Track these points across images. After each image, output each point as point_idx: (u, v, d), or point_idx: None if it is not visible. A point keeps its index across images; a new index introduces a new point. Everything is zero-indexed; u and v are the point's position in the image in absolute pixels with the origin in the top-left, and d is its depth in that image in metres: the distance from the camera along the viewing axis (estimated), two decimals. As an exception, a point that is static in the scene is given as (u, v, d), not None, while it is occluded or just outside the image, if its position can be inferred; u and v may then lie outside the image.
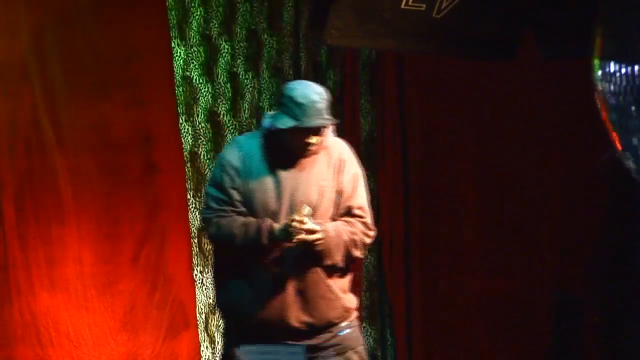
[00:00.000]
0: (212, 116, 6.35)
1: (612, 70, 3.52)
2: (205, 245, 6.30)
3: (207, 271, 6.31)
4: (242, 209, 4.51)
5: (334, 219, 4.56)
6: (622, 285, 4.99)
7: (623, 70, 3.49)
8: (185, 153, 6.26)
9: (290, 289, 4.49)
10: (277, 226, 4.43)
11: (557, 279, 6.71)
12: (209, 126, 6.33)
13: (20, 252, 5.88)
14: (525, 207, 6.75)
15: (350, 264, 4.64)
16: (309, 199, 4.49)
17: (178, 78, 6.26)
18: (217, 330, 6.33)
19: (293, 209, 4.45)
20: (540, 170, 6.71)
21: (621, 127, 3.46)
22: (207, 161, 6.32)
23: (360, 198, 4.64)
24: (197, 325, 6.28)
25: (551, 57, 6.26)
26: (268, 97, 6.47)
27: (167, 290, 6.20)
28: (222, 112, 6.37)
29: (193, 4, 6.27)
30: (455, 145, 6.85)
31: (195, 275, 6.29)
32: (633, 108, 3.44)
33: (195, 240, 6.29)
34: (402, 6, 5.84)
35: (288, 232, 4.40)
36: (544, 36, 6.24)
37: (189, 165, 6.28)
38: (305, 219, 4.38)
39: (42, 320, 5.91)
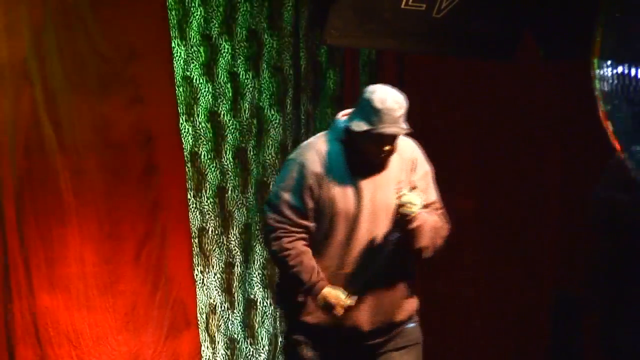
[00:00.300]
0: (212, 116, 6.35)
1: (609, 69, 3.52)
2: (206, 245, 6.31)
3: (208, 271, 6.32)
4: (312, 223, 4.48)
5: None
6: (622, 284, 4.99)
7: (619, 70, 3.49)
8: (185, 153, 6.27)
9: (365, 297, 4.49)
10: (324, 293, 4.44)
11: (557, 279, 6.71)
12: (209, 126, 6.34)
13: (20, 252, 5.88)
14: (525, 207, 6.76)
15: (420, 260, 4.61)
16: (388, 202, 4.45)
17: (178, 78, 6.26)
18: (218, 330, 6.34)
19: (374, 213, 4.43)
20: (539, 169, 6.71)
21: (616, 126, 3.47)
22: (208, 161, 6.32)
23: (434, 193, 4.64)
24: (197, 325, 6.28)
25: (551, 56, 6.26)
26: (268, 97, 6.48)
27: (168, 290, 6.20)
28: (222, 112, 6.37)
29: (193, 4, 6.28)
30: (455, 145, 6.85)
31: (196, 275, 6.29)
32: (625, 108, 3.45)
33: (196, 240, 6.29)
34: (402, 6, 5.85)
35: (328, 307, 4.43)
36: (543, 35, 6.24)
37: (189, 165, 6.28)
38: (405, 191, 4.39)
39: (42, 320, 5.91)
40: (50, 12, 5.92)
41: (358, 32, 5.88)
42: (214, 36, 6.34)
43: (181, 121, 6.24)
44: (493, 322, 6.83)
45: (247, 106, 6.43)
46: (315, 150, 4.53)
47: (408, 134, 4.51)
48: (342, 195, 4.45)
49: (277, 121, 6.50)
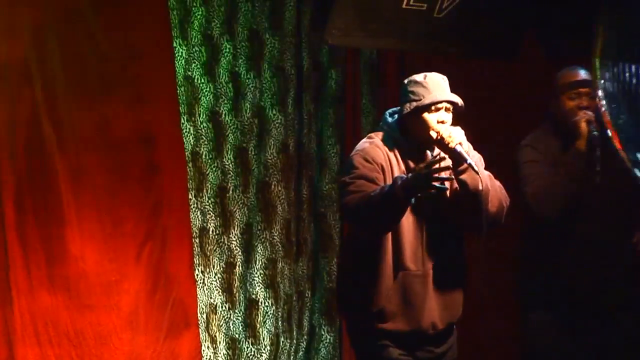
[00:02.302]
0: (213, 116, 6.35)
1: (610, 69, 3.53)
2: (207, 245, 6.31)
3: (209, 271, 6.32)
4: None
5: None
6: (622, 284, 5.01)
7: (620, 70, 3.50)
8: (186, 153, 6.26)
9: (430, 289, 4.42)
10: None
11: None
12: (210, 126, 6.33)
13: (20, 252, 5.88)
14: (526, 206, 6.74)
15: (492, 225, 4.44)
16: (445, 193, 4.38)
17: (180, 78, 6.26)
18: (219, 330, 6.33)
19: (432, 204, 4.34)
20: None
21: (617, 125, 3.47)
22: (209, 161, 6.31)
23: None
24: (198, 325, 6.27)
25: (553, 56, 6.26)
26: (270, 96, 6.47)
27: (169, 290, 6.20)
28: (223, 112, 6.37)
29: (195, 4, 6.27)
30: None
31: (197, 275, 6.29)
32: (624, 106, 3.45)
33: (197, 240, 6.29)
34: (403, 6, 5.85)
35: (427, 169, 4.13)
36: (546, 35, 6.24)
37: (190, 165, 6.27)
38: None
39: (41, 320, 5.91)
40: (50, 11, 5.92)
41: (359, 32, 5.88)
42: (216, 36, 6.34)
43: (182, 121, 6.24)
44: (493, 324, 6.82)
45: (249, 106, 6.43)
46: (376, 145, 4.42)
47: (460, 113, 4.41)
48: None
49: (278, 121, 6.50)
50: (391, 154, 4.40)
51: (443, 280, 4.43)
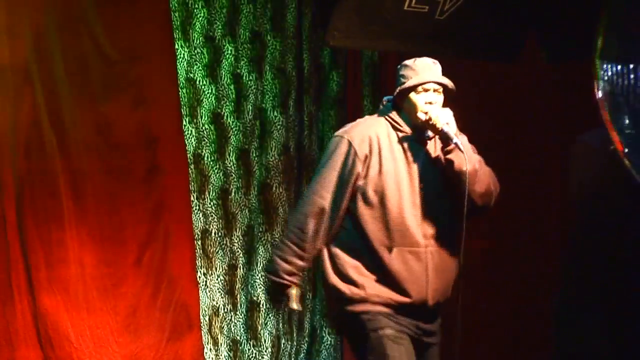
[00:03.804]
0: (215, 118, 6.35)
1: (611, 70, 3.53)
2: (209, 247, 6.31)
3: (211, 273, 6.32)
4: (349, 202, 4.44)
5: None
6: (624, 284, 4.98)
7: (621, 71, 3.50)
8: (188, 155, 6.26)
9: (430, 264, 4.44)
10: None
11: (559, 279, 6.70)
12: (212, 128, 6.34)
13: (21, 254, 5.88)
14: (528, 209, 6.76)
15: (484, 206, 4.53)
16: (436, 178, 4.42)
17: (181, 79, 6.26)
18: (221, 332, 6.34)
19: (423, 190, 4.39)
20: (542, 171, 6.70)
21: (618, 126, 3.48)
22: (211, 163, 6.32)
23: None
24: (200, 327, 6.27)
25: (554, 58, 6.26)
26: (271, 98, 6.48)
27: (171, 292, 6.20)
28: (225, 114, 6.37)
29: (196, 6, 6.28)
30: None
31: (199, 277, 6.29)
32: (625, 107, 3.46)
33: (199, 242, 6.29)
34: (405, 8, 5.85)
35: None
36: (546, 38, 6.24)
37: (192, 167, 6.28)
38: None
39: (42, 322, 5.91)
40: (52, 13, 5.93)
41: (361, 34, 5.88)
42: (217, 38, 6.35)
43: (184, 123, 6.24)
44: (495, 324, 6.82)
45: (250, 108, 6.43)
46: (362, 127, 4.48)
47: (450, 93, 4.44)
48: (391, 171, 4.39)
49: (280, 123, 6.50)
50: (384, 136, 4.44)
51: (437, 257, 4.47)
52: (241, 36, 6.42)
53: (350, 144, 4.41)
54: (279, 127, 6.50)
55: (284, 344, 6.52)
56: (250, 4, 6.43)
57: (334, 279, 4.46)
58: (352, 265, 4.44)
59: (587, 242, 5.05)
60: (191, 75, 6.30)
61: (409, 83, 4.37)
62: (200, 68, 6.30)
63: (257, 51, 6.46)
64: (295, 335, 6.59)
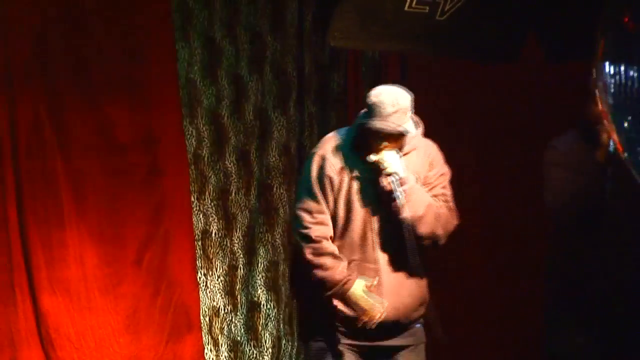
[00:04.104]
0: (215, 118, 6.35)
1: (611, 70, 3.53)
2: (209, 247, 6.31)
3: (211, 274, 6.31)
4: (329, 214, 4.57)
5: None
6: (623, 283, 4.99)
7: (622, 72, 3.50)
8: (189, 155, 6.26)
9: (385, 284, 4.51)
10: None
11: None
12: (212, 128, 6.33)
13: (22, 254, 5.88)
14: (529, 209, 6.75)
15: (430, 248, 4.61)
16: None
17: (182, 80, 6.26)
18: (221, 333, 6.33)
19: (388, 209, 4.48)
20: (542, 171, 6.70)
21: (619, 127, 3.48)
22: (211, 163, 6.32)
23: (445, 186, 4.63)
24: (200, 328, 6.27)
25: (554, 59, 6.26)
26: (272, 99, 6.47)
27: (171, 292, 6.20)
28: (225, 114, 6.37)
29: (197, 6, 6.28)
30: (458, 147, 6.83)
31: (199, 278, 6.28)
32: (626, 108, 3.46)
33: (199, 243, 6.28)
34: (405, 8, 5.85)
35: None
36: (546, 38, 6.24)
37: (192, 167, 6.27)
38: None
39: (44, 323, 5.91)
40: (53, 14, 5.92)
41: (361, 35, 5.88)
42: (218, 38, 6.34)
43: (184, 123, 6.24)
44: (496, 325, 6.82)
45: (251, 108, 6.43)
46: (335, 143, 4.59)
47: (405, 135, 4.51)
48: (359, 186, 4.51)
49: (280, 123, 6.50)
50: (349, 153, 4.54)
51: (395, 274, 4.53)
52: (241, 36, 6.41)
53: (323, 159, 4.55)
54: (279, 127, 6.49)
55: (284, 344, 6.52)
56: (250, 4, 6.42)
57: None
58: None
59: (563, 245, 5.08)
60: (191, 75, 6.29)
61: (367, 124, 4.43)
62: (200, 68, 6.30)
63: (257, 51, 6.46)
64: (295, 335, 6.58)
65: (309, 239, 4.54)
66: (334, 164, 4.53)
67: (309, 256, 4.53)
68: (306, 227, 4.56)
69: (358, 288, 4.51)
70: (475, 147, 6.85)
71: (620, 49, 3.68)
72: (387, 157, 4.42)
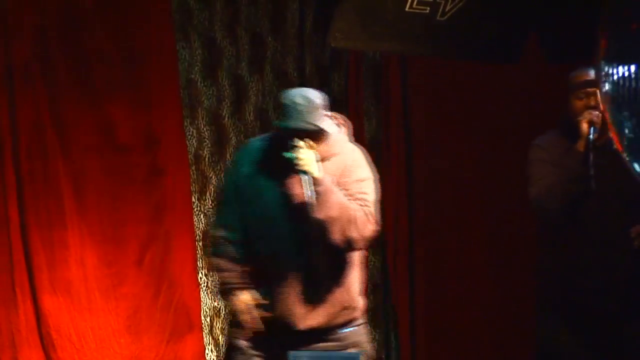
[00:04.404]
0: (216, 119, 6.35)
1: (613, 71, 3.52)
2: (210, 248, 6.31)
3: (212, 274, 6.31)
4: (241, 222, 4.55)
5: None
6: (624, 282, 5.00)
7: (624, 72, 3.50)
8: (189, 156, 6.26)
9: (294, 291, 4.46)
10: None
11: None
12: (213, 129, 6.34)
13: (23, 255, 5.88)
14: (530, 210, 6.74)
15: (349, 255, 4.51)
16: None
17: (183, 80, 6.26)
18: (222, 334, 6.33)
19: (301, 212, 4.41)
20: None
21: (619, 128, 3.47)
22: (212, 164, 6.32)
23: (365, 192, 4.50)
24: (202, 328, 6.27)
25: (555, 59, 6.26)
26: (272, 99, 6.47)
27: (172, 293, 6.20)
28: (226, 115, 6.37)
29: (197, 7, 6.28)
30: (460, 148, 6.85)
31: (200, 278, 6.28)
32: (626, 108, 3.45)
33: (200, 243, 6.29)
34: (406, 9, 5.84)
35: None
36: (548, 39, 6.24)
37: (193, 168, 6.28)
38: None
39: (45, 323, 5.91)
40: (54, 14, 5.93)
41: (362, 35, 5.88)
42: (218, 39, 6.35)
43: (185, 124, 6.24)
44: (498, 325, 6.82)
45: (251, 109, 6.43)
46: (248, 151, 4.58)
47: (321, 133, 4.43)
48: (271, 194, 4.45)
49: (281, 124, 6.50)
50: (267, 157, 4.51)
51: (309, 280, 4.46)
52: (242, 37, 6.42)
53: (236, 162, 4.57)
54: (280, 128, 6.49)
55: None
56: (251, 5, 6.43)
57: None
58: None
59: (548, 244, 5.10)
60: (192, 76, 6.30)
61: (281, 124, 4.40)
62: (201, 69, 6.30)
63: (258, 52, 6.46)
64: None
65: (212, 240, 4.55)
66: (245, 172, 4.49)
67: (210, 257, 4.58)
68: (213, 229, 4.58)
69: (241, 300, 4.49)
70: (476, 147, 6.85)
71: (622, 49, 3.67)
72: (303, 155, 4.34)
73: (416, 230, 6.82)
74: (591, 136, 4.82)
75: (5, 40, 5.83)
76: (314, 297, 4.47)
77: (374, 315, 6.76)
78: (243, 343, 4.52)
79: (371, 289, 6.75)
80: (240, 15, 6.40)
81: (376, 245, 6.77)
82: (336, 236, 4.37)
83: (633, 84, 3.58)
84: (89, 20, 6.02)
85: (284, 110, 4.39)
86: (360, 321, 4.62)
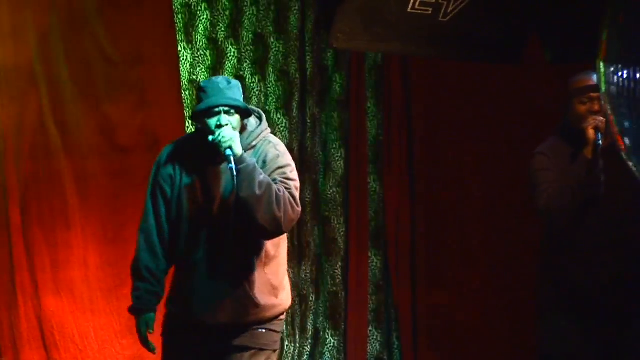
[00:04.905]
0: (218, 120, 6.34)
1: (614, 71, 3.52)
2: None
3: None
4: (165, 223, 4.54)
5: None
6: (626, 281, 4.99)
7: (626, 73, 3.49)
8: (191, 157, 6.26)
9: (206, 287, 4.41)
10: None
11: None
12: (215, 130, 6.33)
13: (25, 255, 5.89)
14: (532, 207, 6.74)
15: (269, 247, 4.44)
16: (225, 196, 4.38)
17: (184, 81, 6.26)
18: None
19: (216, 206, 4.36)
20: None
21: (622, 129, 3.47)
22: (214, 165, 6.31)
23: (288, 177, 4.40)
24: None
25: (557, 60, 6.25)
26: (274, 100, 6.48)
27: (173, 293, 6.19)
28: (228, 116, 6.37)
29: (199, 8, 6.28)
30: (462, 148, 6.85)
31: (201, 278, 6.27)
32: (629, 110, 3.45)
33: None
34: (408, 10, 5.84)
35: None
36: (549, 39, 6.24)
37: (195, 168, 6.27)
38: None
39: (47, 324, 5.91)
40: (56, 15, 5.93)
41: (364, 36, 5.88)
42: (220, 40, 6.35)
43: (187, 125, 6.24)
44: (500, 326, 6.82)
45: (254, 110, 6.43)
46: (170, 149, 4.55)
47: (242, 111, 4.37)
48: (189, 191, 4.41)
49: (283, 125, 6.50)
50: (187, 155, 4.48)
51: (228, 274, 4.40)
52: (244, 38, 6.42)
53: (158, 163, 4.53)
54: (282, 129, 6.49)
55: (287, 346, 6.52)
56: (253, 6, 6.43)
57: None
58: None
59: (554, 246, 5.08)
60: (194, 77, 6.30)
61: (199, 107, 4.37)
62: (203, 70, 6.30)
63: (260, 53, 6.46)
64: (298, 337, 6.58)
65: (135, 252, 4.54)
66: (166, 171, 4.47)
67: (132, 264, 4.56)
68: (138, 235, 4.57)
69: (141, 322, 4.53)
70: (477, 148, 6.85)
71: (623, 50, 3.67)
72: (226, 133, 4.26)
73: (418, 230, 6.83)
74: (599, 142, 4.78)
75: (9, 41, 5.83)
76: (224, 293, 4.40)
77: (376, 316, 6.76)
78: (172, 340, 4.54)
79: (373, 290, 6.75)
80: (243, 16, 6.40)
81: (378, 246, 6.78)
82: (260, 215, 4.25)
83: (634, 84, 3.57)
84: (91, 21, 6.02)
85: (202, 92, 4.36)
86: (274, 324, 4.53)
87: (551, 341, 5.09)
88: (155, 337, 4.56)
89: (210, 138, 4.30)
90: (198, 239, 4.40)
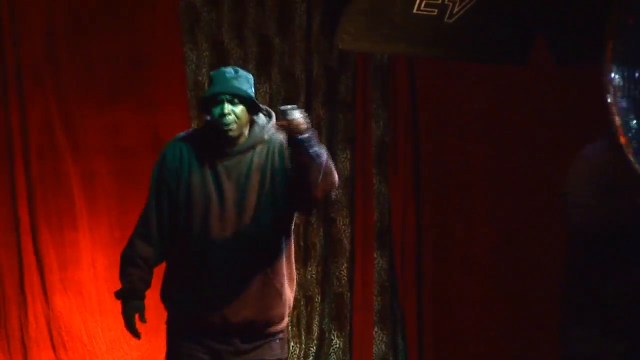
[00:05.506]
0: (224, 121, 6.35)
1: (620, 74, 3.53)
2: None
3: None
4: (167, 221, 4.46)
5: (276, 215, 4.32)
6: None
7: (631, 75, 3.50)
8: (196, 157, 6.27)
9: (225, 282, 4.31)
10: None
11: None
12: (220, 131, 6.33)
13: (33, 256, 5.90)
14: (537, 210, 6.75)
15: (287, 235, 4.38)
16: (249, 190, 4.30)
17: (190, 82, 6.27)
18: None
19: (233, 201, 4.28)
20: (551, 173, 6.71)
21: (629, 131, 3.47)
22: (219, 166, 6.32)
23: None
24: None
25: (562, 61, 6.25)
26: (279, 101, 6.48)
27: (179, 294, 6.20)
28: (233, 117, 6.37)
29: (205, 9, 6.29)
30: (467, 149, 6.85)
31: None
32: (636, 112, 3.45)
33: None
34: (414, 11, 5.84)
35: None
36: (555, 41, 6.23)
37: (200, 169, 6.27)
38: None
39: (55, 324, 5.93)
40: (62, 17, 5.94)
41: (370, 37, 5.87)
42: (226, 41, 6.35)
43: (193, 126, 6.25)
44: (505, 326, 6.83)
45: (259, 110, 6.43)
46: (176, 143, 4.44)
47: (247, 101, 4.28)
48: (198, 184, 4.32)
49: (288, 126, 6.50)
50: (195, 150, 4.38)
51: (244, 272, 4.31)
52: (249, 39, 6.42)
53: (163, 157, 4.44)
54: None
55: (292, 347, 6.52)
56: (258, 7, 6.43)
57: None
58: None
59: (580, 250, 4.91)
60: (199, 78, 6.31)
61: (204, 95, 4.32)
62: (208, 71, 6.30)
63: (265, 54, 6.47)
64: (303, 338, 6.58)
65: (130, 239, 4.50)
66: (172, 165, 4.39)
67: (123, 252, 4.56)
68: (137, 224, 4.51)
69: (130, 307, 4.53)
70: (483, 148, 6.85)
71: (630, 51, 3.67)
72: (297, 115, 4.09)
73: (424, 231, 6.83)
74: None
75: (15, 42, 5.84)
76: (244, 290, 4.31)
77: (381, 317, 6.76)
78: (183, 343, 4.46)
79: (379, 291, 6.75)
80: (248, 17, 6.40)
81: (384, 247, 6.78)
82: (326, 182, 4.19)
83: (634, 84, 3.58)
84: (97, 22, 6.03)
85: (211, 81, 4.30)
86: (284, 334, 4.46)
87: (577, 341, 4.91)
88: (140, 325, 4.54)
89: (282, 122, 4.12)
90: (211, 234, 4.29)
